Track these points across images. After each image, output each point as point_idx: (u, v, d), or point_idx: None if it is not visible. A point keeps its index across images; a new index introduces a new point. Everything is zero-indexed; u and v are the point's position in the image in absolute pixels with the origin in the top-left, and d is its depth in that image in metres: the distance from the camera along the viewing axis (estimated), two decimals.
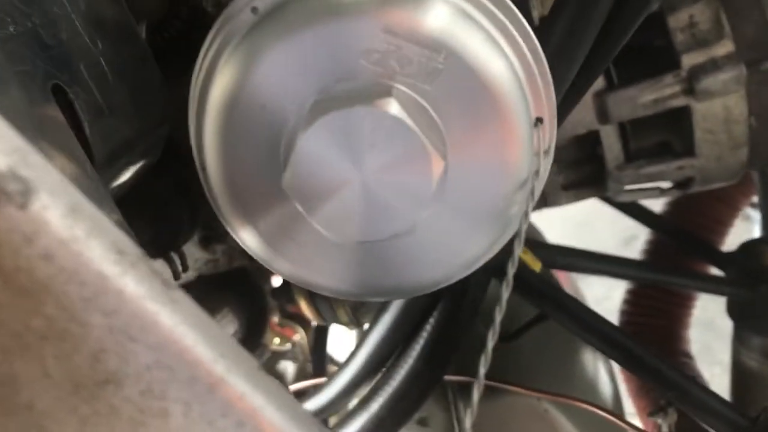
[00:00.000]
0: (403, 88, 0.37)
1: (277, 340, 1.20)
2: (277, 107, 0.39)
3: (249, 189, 0.42)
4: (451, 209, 0.40)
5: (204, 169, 0.43)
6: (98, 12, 0.59)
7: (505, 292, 0.39)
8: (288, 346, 1.22)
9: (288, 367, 1.32)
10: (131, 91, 0.60)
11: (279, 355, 1.29)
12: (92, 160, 0.54)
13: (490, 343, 0.43)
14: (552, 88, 0.41)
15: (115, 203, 0.51)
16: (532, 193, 0.39)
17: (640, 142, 1.02)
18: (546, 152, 0.41)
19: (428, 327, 0.83)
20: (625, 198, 1.10)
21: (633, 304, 1.45)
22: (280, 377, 1.29)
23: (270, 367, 1.28)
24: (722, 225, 1.33)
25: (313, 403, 0.78)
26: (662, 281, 1.25)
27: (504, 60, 0.39)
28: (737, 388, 1.30)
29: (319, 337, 1.40)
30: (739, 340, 1.28)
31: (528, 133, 0.40)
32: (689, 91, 0.93)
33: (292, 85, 0.38)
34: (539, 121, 0.40)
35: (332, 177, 0.37)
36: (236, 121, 0.40)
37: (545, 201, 1.11)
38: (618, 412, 1.14)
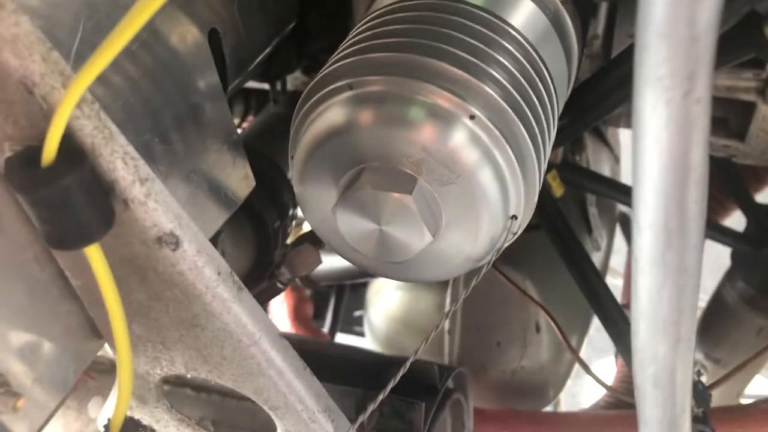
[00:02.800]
0: (424, 183, 0.55)
1: None
2: (340, 165, 0.58)
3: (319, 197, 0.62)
4: (442, 250, 0.60)
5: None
6: None
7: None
8: None
9: None
10: None
11: None
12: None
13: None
14: (535, 192, 0.58)
15: None
16: (498, 250, 0.59)
17: None
18: (515, 233, 0.59)
19: None
20: None
21: None
22: None
23: None
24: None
25: None
26: None
27: (497, 183, 0.55)
28: (708, 313, 1.50)
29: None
30: (728, 276, 1.45)
31: (502, 223, 0.58)
32: (762, 92, 1.00)
33: (350, 149, 0.57)
34: (514, 217, 0.58)
35: (362, 225, 0.58)
36: (317, 159, 0.59)
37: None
38: None
